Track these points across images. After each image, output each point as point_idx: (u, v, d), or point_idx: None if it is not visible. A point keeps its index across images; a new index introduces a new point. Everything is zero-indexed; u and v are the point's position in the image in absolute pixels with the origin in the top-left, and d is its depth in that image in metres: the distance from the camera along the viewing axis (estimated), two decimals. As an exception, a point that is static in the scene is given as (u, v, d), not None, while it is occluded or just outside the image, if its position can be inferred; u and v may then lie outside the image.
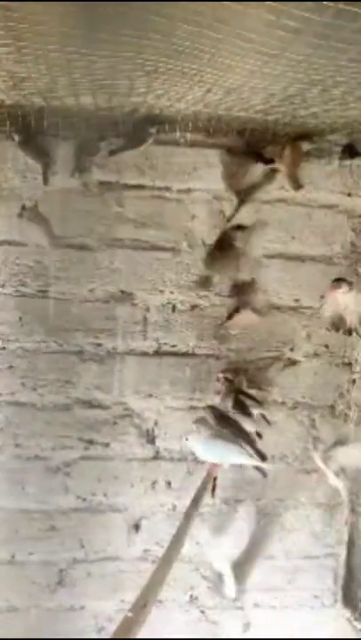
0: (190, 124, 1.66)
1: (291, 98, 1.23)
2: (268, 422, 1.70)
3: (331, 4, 0.68)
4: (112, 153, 1.66)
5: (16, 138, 1.60)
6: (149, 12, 0.84)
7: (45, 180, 1.65)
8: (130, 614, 1.04)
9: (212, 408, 1.60)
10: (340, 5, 0.69)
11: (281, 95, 1.21)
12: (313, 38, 0.83)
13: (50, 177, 1.65)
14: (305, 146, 1.72)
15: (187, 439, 1.49)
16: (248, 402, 1.67)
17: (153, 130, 1.61)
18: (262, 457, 1.50)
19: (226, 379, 1.71)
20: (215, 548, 1.78)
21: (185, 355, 1.77)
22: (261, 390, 1.77)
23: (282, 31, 0.80)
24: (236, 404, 1.64)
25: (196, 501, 1.42)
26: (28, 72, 1.21)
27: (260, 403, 1.71)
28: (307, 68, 1.00)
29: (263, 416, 1.69)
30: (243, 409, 1.64)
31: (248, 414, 1.63)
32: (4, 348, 1.69)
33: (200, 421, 1.53)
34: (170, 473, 1.76)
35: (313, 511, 1.86)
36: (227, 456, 1.48)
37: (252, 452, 1.46)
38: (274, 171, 1.73)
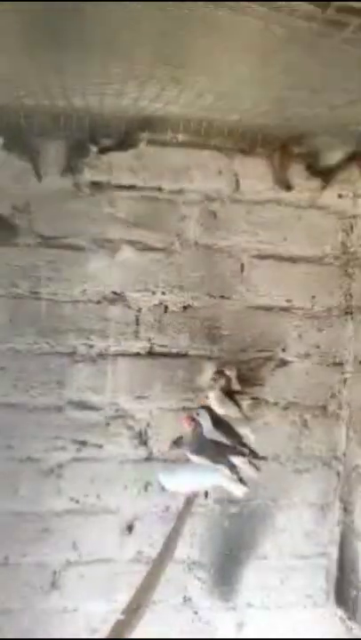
0: (182, 127, 1.66)
1: (280, 102, 1.23)
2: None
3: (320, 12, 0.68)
4: (102, 151, 1.65)
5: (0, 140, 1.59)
6: (139, 17, 0.84)
7: (39, 177, 1.63)
8: (122, 617, 1.05)
9: (208, 409, 1.61)
10: (329, 13, 0.69)
11: (271, 99, 1.21)
12: (302, 46, 0.84)
13: (42, 175, 1.64)
14: (295, 148, 1.73)
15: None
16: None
17: (144, 134, 1.61)
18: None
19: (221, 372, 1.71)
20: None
21: (177, 356, 1.77)
22: (253, 388, 1.78)
23: (271, 38, 0.80)
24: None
25: (176, 531, 1.40)
26: (17, 73, 1.21)
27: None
28: (296, 74, 1.00)
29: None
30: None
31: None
32: (-6, 350, 1.69)
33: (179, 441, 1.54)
34: (163, 474, 1.76)
35: (305, 511, 1.86)
36: (202, 480, 1.46)
37: (234, 476, 1.44)
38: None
